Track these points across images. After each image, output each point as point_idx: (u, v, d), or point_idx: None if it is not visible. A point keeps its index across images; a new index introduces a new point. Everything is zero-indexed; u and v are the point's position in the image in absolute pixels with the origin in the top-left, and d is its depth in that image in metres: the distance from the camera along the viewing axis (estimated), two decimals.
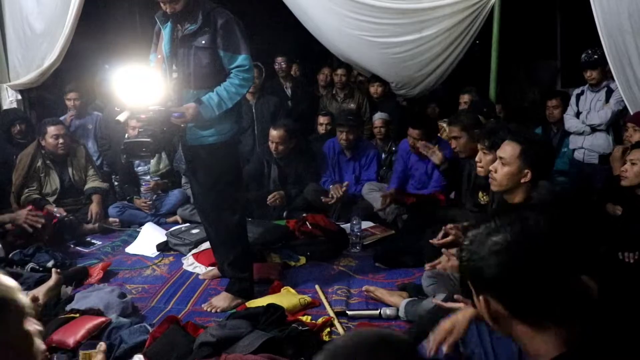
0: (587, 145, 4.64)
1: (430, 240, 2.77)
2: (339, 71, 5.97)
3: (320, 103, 6.12)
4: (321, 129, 5.50)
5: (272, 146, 4.65)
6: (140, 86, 2.82)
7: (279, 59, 6.12)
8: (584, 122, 4.60)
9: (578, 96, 4.74)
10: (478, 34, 4.96)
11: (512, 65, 6.67)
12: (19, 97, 5.41)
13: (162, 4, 2.89)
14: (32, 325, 1.27)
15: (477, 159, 3.09)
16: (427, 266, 2.70)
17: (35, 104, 5.72)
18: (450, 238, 2.66)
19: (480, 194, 3.37)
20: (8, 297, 1.18)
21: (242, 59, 2.98)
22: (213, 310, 3.16)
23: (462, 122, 3.73)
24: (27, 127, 5.00)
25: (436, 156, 4.09)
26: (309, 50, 7.11)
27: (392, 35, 5.08)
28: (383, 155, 5.13)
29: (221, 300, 3.21)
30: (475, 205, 3.46)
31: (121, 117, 2.95)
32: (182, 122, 2.90)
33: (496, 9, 4.61)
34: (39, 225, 3.92)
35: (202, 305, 3.24)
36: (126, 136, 3.08)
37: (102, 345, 2.27)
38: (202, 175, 3.16)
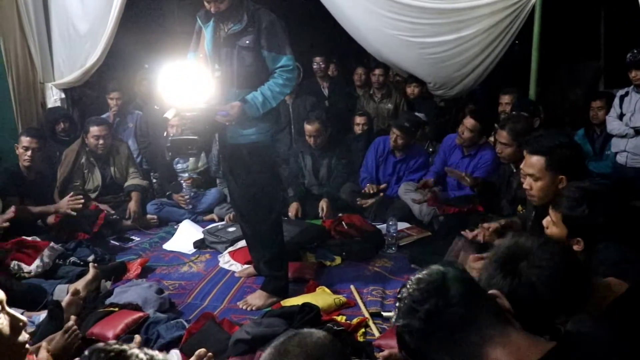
0: (630, 149, 4.51)
1: (462, 232, 2.76)
2: (377, 71, 5.94)
3: (357, 103, 6.11)
4: (358, 129, 5.48)
5: (311, 140, 4.76)
6: (186, 84, 2.85)
7: (317, 59, 6.13)
8: (628, 124, 4.48)
9: (622, 97, 4.61)
10: (518, 34, 4.87)
11: (553, 66, 6.52)
12: (63, 95, 5.53)
13: (206, 3, 2.92)
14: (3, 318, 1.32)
15: (522, 166, 2.98)
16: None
17: (77, 102, 5.85)
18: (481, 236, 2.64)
19: (519, 207, 3.28)
20: None
21: (286, 59, 3.01)
22: (248, 308, 3.18)
23: (515, 130, 3.49)
24: (70, 125, 5.14)
25: (465, 181, 4.03)
26: (346, 50, 7.09)
27: (430, 35, 5.02)
28: None
29: (256, 298, 3.22)
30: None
31: (168, 115, 3.00)
32: (227, 121, 2.93)
33: (537, 9, 4.51)
34: (80, 206, 4.04)
35: (238, 303, 3.27)
36: (171, 134, 3.13)
37: (137, 338, 2.32)
38: (240, 173, 3.19)
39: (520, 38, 5.03)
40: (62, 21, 5.36)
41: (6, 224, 3.48)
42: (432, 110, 5.60)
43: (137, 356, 1.10)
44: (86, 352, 1.12)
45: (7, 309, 1.31)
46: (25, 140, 4.24)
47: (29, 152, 4.22)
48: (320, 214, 4.51)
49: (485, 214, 3.95)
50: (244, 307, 3.21)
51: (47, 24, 5.39)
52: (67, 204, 4.05)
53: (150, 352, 1.13)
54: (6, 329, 1.27)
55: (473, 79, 5.43)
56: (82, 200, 4.09)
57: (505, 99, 5.21)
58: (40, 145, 4.30)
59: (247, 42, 2.95)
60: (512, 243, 1.54)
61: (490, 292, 1.34)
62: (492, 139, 4.54)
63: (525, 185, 2.56)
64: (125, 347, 1.11)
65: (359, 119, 5.51)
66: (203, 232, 4.26)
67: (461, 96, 5.92)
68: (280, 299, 3.20)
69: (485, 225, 2.78)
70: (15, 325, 1.30)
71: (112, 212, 4.43)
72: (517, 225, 2.90)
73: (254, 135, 3.07)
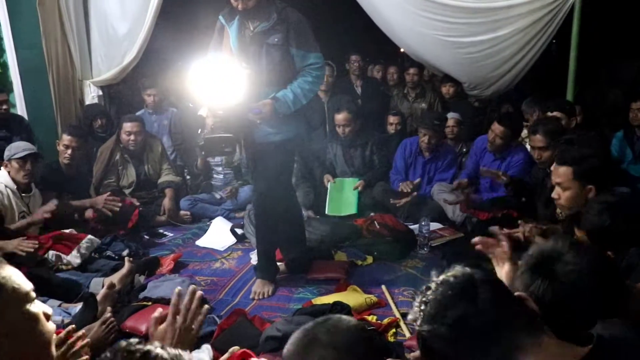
0: None
1: (491, 228, 2.72)
2: (411, 70, 5.90)
3: (390, 102, 6.07)
4: (391, 129, 5.46)
5: (340, 130, 4.81)
6: (217, 82, 2.85)
7: (353, 58, 6.12)
8: None
9: None
10: (556, 33, 4.78)
11: (592, 65, 6.38)
12: (100, 92, 5.65)
13: (233, 1, 2.92)
14: (38, 309, 1.31)
15: (552, 167, 2.96)
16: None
17: (114, 99, 5.96)
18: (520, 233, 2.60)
19: (558, 210, 3.21)
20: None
21: (314, 57, 3.03)
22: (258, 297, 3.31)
23: (548, 131, 3.45)
24: (107, 122, 5.24)
25: (501, 179, 3.98)
26: (379, 49, 7.08)
27: (466, 34, 4.97)
28: None
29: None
30: (551, 221, 3.31)
31: (203, 112, 3.02)
32: (260, 118, 2.94)
33: (577, 7, 4.42)
34: (117, 209, 4.10)
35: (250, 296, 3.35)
36: (204, 132, 3.13)
37: None
38: (268, 171, 3.20)
39: (558, 37, 4.93)
40: (101, 21, 5.47)
41: (48, 215, 3.55)
42: (467, 111, 5.53)
43: (161, 357, 1.09)
44: (108, 353, 1.10)
45: (28, 307, 1.31)
46: (66, 138, 4.34)
47: (69, 151, 4.32)
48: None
49: (520, 219, 3.90)
50: (255, 297, 3.31)
51: (86, 23, 5.52)
52: (103, 202, 4.12)
53: (173, 351, 1.11)
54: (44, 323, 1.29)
55: (509, 79, 5.34)
56: (120, 204, 4.15)
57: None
58: (80, 144, 4.40)
59: (276, 39, 2.95)
60: (547, 245, 1.51)
61: (516, 294, 1.30)
62: (526, 138, 4.48)
63: (554, 195, 2.57)
64: (149, 347, 1.10)
65: (392, 119, 5.48)
66: (244, 218, 4.29)
67: (497, 96, 5.84)
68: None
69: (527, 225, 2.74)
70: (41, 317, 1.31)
71: (137, 203, 4.47)
72: (558, 232, 2.86)
73: (280, 134, 3.09)
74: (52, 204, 3.64)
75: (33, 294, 1.31)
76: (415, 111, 5.88)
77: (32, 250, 3.18)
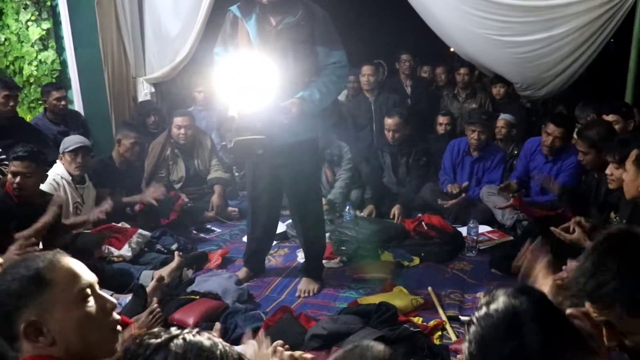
0: None
1: (552, 228, 2.66)
2: (462, 70, 5.81)
3: (440, 102, 6.00)
4: (440, 129, 5.39)
5: (389, 135, 4.74)
6: (247, 81, 2.77)
7: (404, 57, 6.07)
8: None
9: None
10: (615, 32, 4.62)
11: None
12: (153, 90, 5.78)
13: None
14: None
15: (607, 172, 2.89)
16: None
17: (166, 96, 6.08)
18: (574, 235, 2.53)
19: (612, 214, 3.12)
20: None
21: (339, 54, 2.95)
22: (304, 295, 3.33)
23: (590, 138, 3.42)
24: (159, 119, 5.36)
25: (552, 188, 3.89)
26: (429, 49, 6.99)
27: (519, 34, 4.85)
28: None
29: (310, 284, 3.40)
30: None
31: (233, 113, 2.93)
32: (288, 118, 2.83)
33: (639, 5, 4.26)
34: (162, 197, 4.20)
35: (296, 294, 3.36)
36: (230, 135, 2.98)
37: (217, 325, 2.38)
38: (293, 170, 3.15)
39: (616, 36, 4.77)
40: (155, 20, 5.60)
41: (102, 216, 3.65)
42: (518, 112, 5.41)
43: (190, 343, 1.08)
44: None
45: (98, 291, 1.36)
46: (134, 136, 4.45)
47: (136, 147, 4.45)
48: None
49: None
50: (301, 295, 3.32)
51: (140, 22, 5.66)
52: (150, 194, 4.23)
53: (193, 338, 1.09)
54: (95, 311, 1.32)
55: (563, 80, 5.19)
56: (164, 189, 4.25)
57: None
58: (142, 140, 4.54)
59: (303, 36, 2.86)
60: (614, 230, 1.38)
61: (568, 312, 1.24)
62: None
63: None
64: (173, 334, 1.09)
65: (441, 119, 5.42)
66: (286, 224, 4.30)
67: (550, 97, 5.69)
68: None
69: (577, 219, 2.67)
70: (105, 307, 1.35)
71: (187, 200, 4.55)
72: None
73: (305, 133, 3.02)
74: (107, 205, 3.72)
75: (96, 285, 1.36)
76: (465, 112, 5.79)
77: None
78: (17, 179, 3.19)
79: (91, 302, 1.32)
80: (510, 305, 1.16)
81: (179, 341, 1.04)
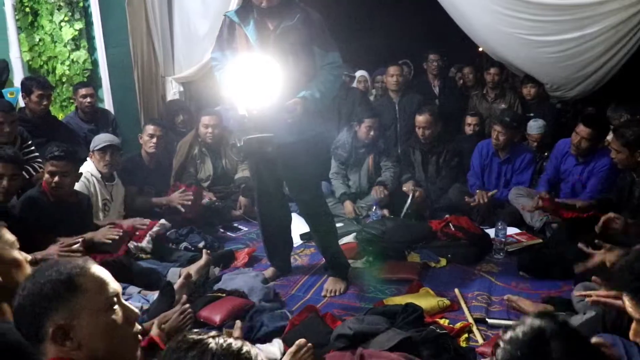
0: None
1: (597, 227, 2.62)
2: (492, 70, 5.74)
3: (469, 103, 5.94)
4: (469, 130, 5.34)
5: (419, 132, 4.71)
6: (254, 81, 2.82)
7: (432, 57, 6.01)
8: None
9: None
10: None
11: None
12: (181, 89, 5.85)
13: None
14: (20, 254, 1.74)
15: None
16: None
17: (194, 95, 6.14)
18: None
19: None
20: None
21: (334, 55, 3.04)
22: (330, 294, 3.34)
23: (625, 136, 3.37)
24: (188, 118, 5.40)
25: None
26: (457, 48, 6.93)
27: (550, 33, 4.77)
28: None
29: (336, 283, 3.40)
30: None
31: (244, 111, 2.97)
32: (292, 117, 2.90)
33: None
34: (189, 203, 4.24)
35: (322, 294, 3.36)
36: (238, 133, 3.07)
37: (238, 323, 2.40)
38: (299, 170, 3.21)
39: None
40: (184, 20, 5.66)
41: (136, 231, 3.67)
42: (548, 113, 5.33)
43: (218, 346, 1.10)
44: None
45: (123, 301, 1.40)
46: (150, 128, 4.49)
47: (154, 139, 4.46)
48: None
49: None
50: (327, 295, 3.33)
51: (170, 22, 5.72)
52: (177, 199, 4.27)
53: (227, 341, 1.12)
54: (120, 320, 1.35)
55: (595, 80, 5.10)
56: (191, 197, 4.27)
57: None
58: (163, 133, 4.55)
59: (301, 38, 2.93)
60: None
61: (594, 340, 1.23)
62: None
63: None
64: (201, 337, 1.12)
65: (470, 119, 5.36)
66: None
67: (581, 98, 5.59)
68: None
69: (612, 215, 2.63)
70: (129, 317, 1.38)
71: (215, 198, 4.58)
72: None
73: (310, 131, 3.10)
74: (144, 222, 3.73)
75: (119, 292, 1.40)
76: (494, 112, 5.71)
77: (117, 237, 3.32)
78: (56, 179, 3.28)
79: (117, 310, 1.36)
80: (536, 327, 1.18)
81: (216, 345, 1.06)
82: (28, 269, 1.80)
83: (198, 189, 4.49)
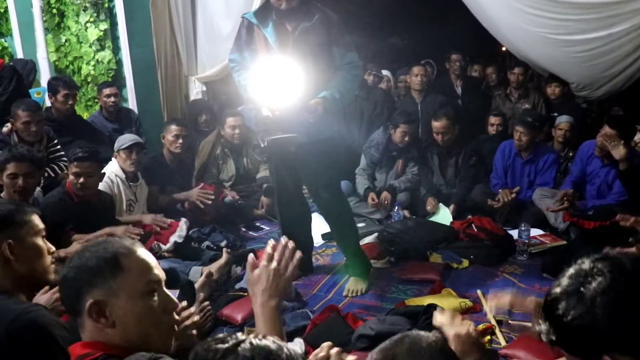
0: None
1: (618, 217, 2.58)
2: (516, 70, 5.67)
3: (492, 103, 5.88)
4: (492, 130, 5.28)
5: (438, 137, 4.67)
6: (277, 82, 2.84)
7: (454, 57, 5.97)
8: None
9: None
10: None
11: None
12: (204, 88, 5.89)
13: (275, 0, 2.92)
14: (45, 243, 1.79)
15: None
16: None
17: (217, 95, 6.18)
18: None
19: None
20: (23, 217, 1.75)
21: (352, 55, 3.05)
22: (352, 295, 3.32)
23: None
24: (211, 117, 5.43)
25: (617, 151, 3.73)
26: (480, 48, 6.88)
27: (577, 32, 4.70)
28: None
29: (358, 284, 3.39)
30: None
31: (267, 112, 2.97)
32: (314, 117, 2.92)
33: None
34: (209, 202, 4.26)
35: (343, 293, 3.35)
36: (260, 134, 3.08)
37: None
38: (319, 169, 3.22)
39: None
40: (207, 20, 5.70)
41: (156, 228, 3.72)
42: (574, 113, 5.25)
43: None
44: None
45: (164, 289, 1.41)
46: (175, 128, 4.49)
47: (179, 140, 4.48)
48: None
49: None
50: (348, 295, 3.32)
51: (193, 22, 5.76)
52: (196, 195, 4.29)
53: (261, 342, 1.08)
54: (158, 307, 1.36)
55: (622, 80, 5.02)
56: (213, 197, 4.30)
57: None
58: (187, 132, 4.59)
59: (320, 38, 2.95)
60: None
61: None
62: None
63: None
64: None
65: (493, 119, 5.30)
66: None
67: (607, 98, 5.50)
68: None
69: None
70: (167, 306, 1.39)
71: (237, 198, 4.60)
72: None
73: (328, 131, 3.12)
74: (165, 222, 3.78)
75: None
76: (517, 112, 5.66)
77: (138, 237, 3.35)
78: (81, 180, 3.33)
79: (156, 297, 1.37)
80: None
81: (246, 345, 1.05)
82: (48, 260, 1.82)
83: (218, 188, 4.51)
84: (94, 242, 1.43)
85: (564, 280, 1.08)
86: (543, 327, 1.10)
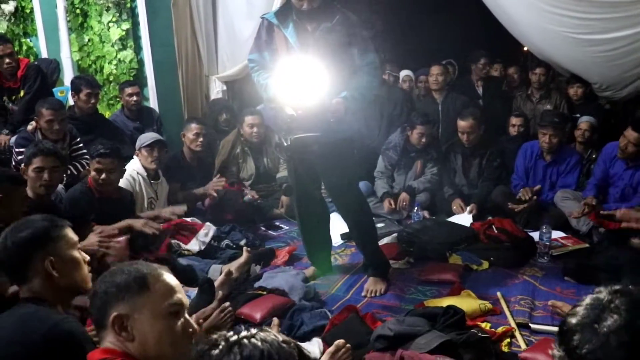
0: None
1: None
2: (538, 70, 5.60)
3: (513, 103, 5.83)
4: (513, 131, 5.23)
5: (463, 137, 4.65)
6: (300, 82, 2.85)
7: (482, 61, 5.92)
8: None
9: None
10: None
11: None
12: (224, 88, 5.92)
13: (297, 1, 2.93)
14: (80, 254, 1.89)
15: None
16: None
17: (237, 94, 6.21)
18: None
19: None
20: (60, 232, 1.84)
21: (372, 56, 3.05)
22: (371, 295, 3.33)
23: None
24: (231, 116, 5.46)
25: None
26: (501, 48, 6.82)
27: (600, 31, 4.62)
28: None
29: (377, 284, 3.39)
30: None
31: (291, 111, 2.95)
32: (335, 116, 2.93)
33: None
34: (221, 188, 4.33)
35: (362, 293, 3.36)
36: (282, 133, 3.08)
37: (275, 320, 2.43)
38: (339, 169, 3.22)
39: None
40: (228, 20, 5.73)
41: (175, 217, 3.75)
42: (596, 114, 5.18)
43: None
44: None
45: (186, 315, 1.49)
46: (195, 127, 4.55)
47: (200, 138, 4.54)
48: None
49: None
50: (367, 295, 3.32)
51: (214, 22, 5.80)
52: (211, 186, 4.37)
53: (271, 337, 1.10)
54: (178, 330, 1.45)
55: None
56: (223, 182, 4.38)
57: None
58: (207, 131, 4.63)
59: (341, 39, 2.95)
60: None
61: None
62: None
63: None
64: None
65: (514, 120, 5.25)
66: None
67: (631, 98, 5.41)
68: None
69: None
70: (187, 331, 1.47)
71: (256, 197, 4.62)
72: None
73: (347, 130, 3.12)
74: (182, 209, 3.87)
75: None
76: (539, 113, 5.59)
77: (156, 232, 3.37)
78: (103, 175, 3.38)
79: (177, 320, 1.46)
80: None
81: (256, 340, 1.06)
82: (86, 270, 1.91)
83: (239, 189, 4.53)
84: (126, 263, 1.54)
85: (581, 310, 1.09)
86: (557, 352, 1.11)
